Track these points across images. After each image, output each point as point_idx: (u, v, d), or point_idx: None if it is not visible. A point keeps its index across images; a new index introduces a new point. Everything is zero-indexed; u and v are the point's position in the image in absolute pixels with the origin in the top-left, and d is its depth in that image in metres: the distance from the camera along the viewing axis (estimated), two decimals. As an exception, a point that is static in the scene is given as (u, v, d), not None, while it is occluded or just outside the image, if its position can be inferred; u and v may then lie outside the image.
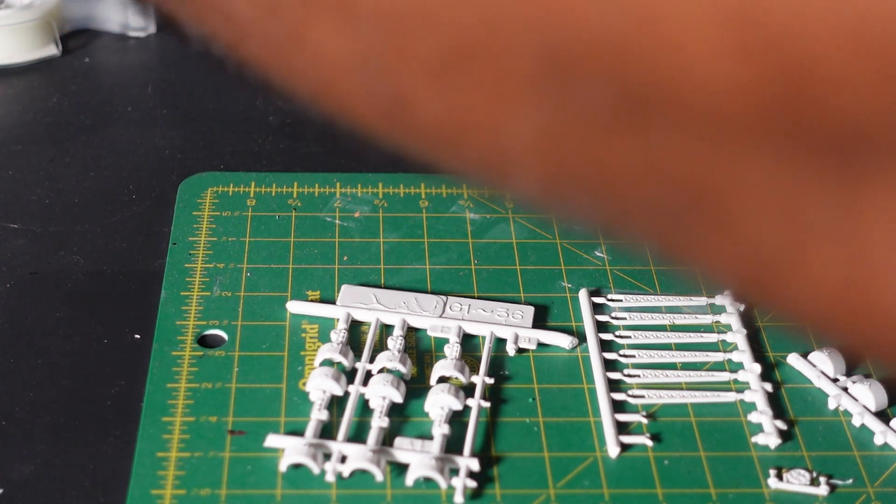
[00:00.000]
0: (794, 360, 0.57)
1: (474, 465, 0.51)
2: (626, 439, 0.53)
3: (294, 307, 0.58)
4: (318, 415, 0.52)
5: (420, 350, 0.57)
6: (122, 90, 0.77)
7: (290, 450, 0.51)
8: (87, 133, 0.72)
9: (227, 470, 0.51)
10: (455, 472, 0.51)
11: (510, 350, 0.57)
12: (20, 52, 0.78)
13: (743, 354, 0.57)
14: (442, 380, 0.55)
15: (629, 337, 0.58)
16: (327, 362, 0.55)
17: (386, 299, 0.58)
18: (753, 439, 0.53)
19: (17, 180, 0.68)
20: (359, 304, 0.58)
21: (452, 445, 0.52)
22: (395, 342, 0.56)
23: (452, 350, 0.56)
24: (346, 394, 0.54)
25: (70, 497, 0.50)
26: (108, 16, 0.81)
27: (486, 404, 0.54)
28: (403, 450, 0.51)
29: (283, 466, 0.50)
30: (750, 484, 0.51)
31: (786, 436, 0.53)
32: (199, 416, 0.53)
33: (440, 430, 0.52)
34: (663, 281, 0.61)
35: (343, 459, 0.51)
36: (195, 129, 0.73)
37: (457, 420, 0.53)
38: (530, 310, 0.58)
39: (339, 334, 0.56)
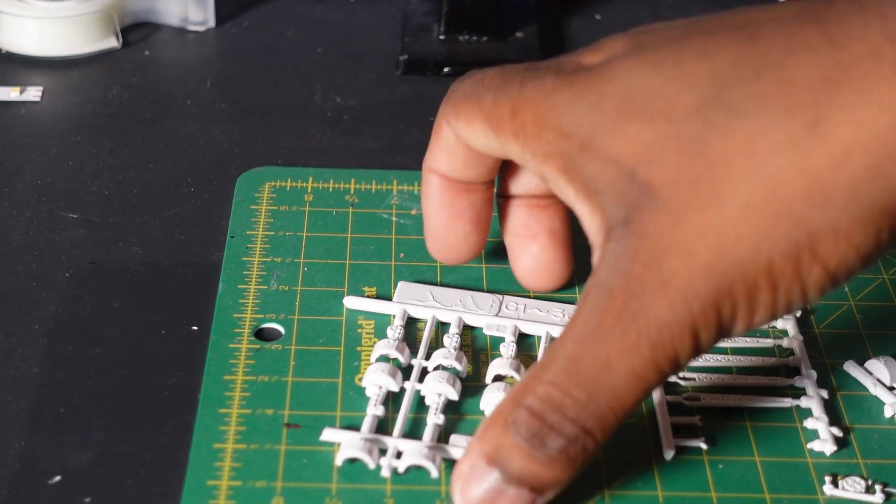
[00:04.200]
0: (850, 367, 0.57)
1: None
2: (681, 442, 0.53)
3: (351, 303, 0.58)
4: (374, 410, 0.52)
5: (476, 348, 0.57)
6: (181, 84, 0.78)
7: (346, 444, 0.51)
8: (146, 125, 0.73)
9: (282, 463, 0.51)
10: None
11: None
12: (81, 44, 0.78)
13: (799, 360, 0.57)
14: (497, 378, 0.55)
15: (685, 340, 0.58)
16: (383, 358, 0.55)
17: (442, 297, 0.59)
18: (809, 445, 0.53)
19: (77, 171, 0.68)
20: (415, 301, 0.58)
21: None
22: (451, 340, 0.56)
23: (508, 349, 0.56)
24: (402, 390, 0.54)
25: (126, 486, 0.50)
26: (168, 9, 0.82)
27: None
28: (459, 447, 0.51)
29: (338, 460, 0.51)
30: (805, 490, 0.51)
31: (841, 443, 0.53)
32: (256, 408, 0.53)
33: None
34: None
35: (398, 455, 0.51)
36: (253, 123, 0.73)
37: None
38: None
39: (395, 331, 0.56)
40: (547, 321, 0.58)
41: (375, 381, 0.54)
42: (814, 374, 0.56)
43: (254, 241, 0.62)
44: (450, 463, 0.51)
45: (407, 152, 0.71)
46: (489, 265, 0.61)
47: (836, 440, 0.53)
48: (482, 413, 0.53)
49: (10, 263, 0.61)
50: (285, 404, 0.53)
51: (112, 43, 0.79)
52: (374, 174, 0.68)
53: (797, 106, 0.40)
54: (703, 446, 0.53)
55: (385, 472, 0.50)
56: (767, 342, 0.58)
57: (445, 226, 0.55)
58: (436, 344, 0.57)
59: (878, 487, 0.51)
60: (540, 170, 0.47)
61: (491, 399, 0.53)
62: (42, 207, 0.65)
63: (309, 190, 0.66)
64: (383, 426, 0.52)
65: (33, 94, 0.75)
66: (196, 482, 0.50)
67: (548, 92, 0.46)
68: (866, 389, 0.56)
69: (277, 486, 0.50)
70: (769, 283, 0.42)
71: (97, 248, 0.63)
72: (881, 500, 0.51)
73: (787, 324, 0.58)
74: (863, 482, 0.51)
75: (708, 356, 0.57)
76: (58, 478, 0.51)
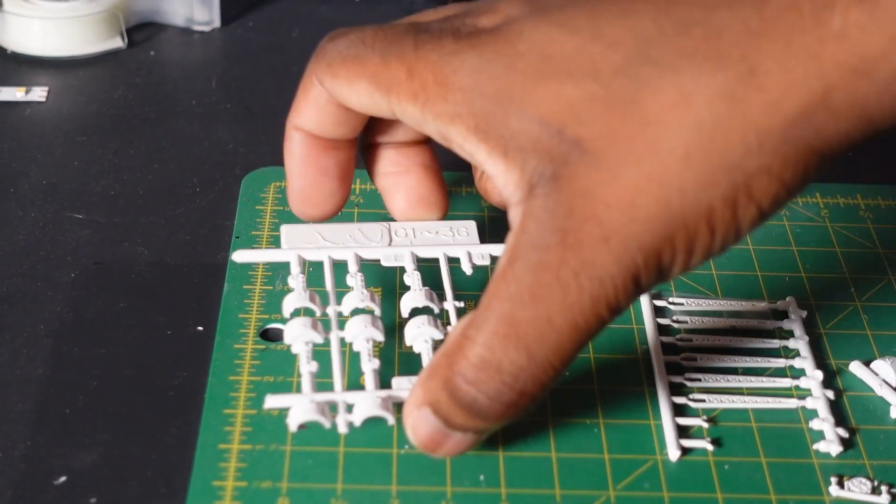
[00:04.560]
0: (856, 367, 0.57)
1: None
2: (687, 443, 0.53)
3: (240, 256, 0.55)
4: (309, 367, 0.50)
5: (380, 283, 0.58)
6: (186, 84, 0.78)
7: (297, 408, 0.48)
8: (152, 126, 0.73)
9: (288, 463, 0.51)
10: None
11: (466, 269, 0.55)
12: (86, 44, 0.78)
13: (805, 361, 0.57)
14: (415, 312, 0.53)
15: (690, 340, 0.58)
16: (296, 313, 0.53)
17: (330, 234, 0.56)
18: (815, 446, 0.53)
19: (82, 171, 0.68)
20: (305, 244, 0.55)
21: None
22: (355, 279, 0.54)
23: (413, 279, 0.54)
24: (326, 341, 0.51)
25: (131, 486, 0.50)
26: (174, 10, 0.82)
27: None
28: (406, 389, 0.49)
29: (292, 426, 0.48)
30: (811, 491, 0.51)
31: (847, 444, 0.53)
32: (261, 409, 0.53)
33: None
34: (725, 285, 0.61)
35: (349, 409, 0.49)
36: (258, 123, 0.73)
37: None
38: (472, 224, 0.56)
39: (297, 279, 0.53)
40: (440, 242, 0.56)
41: (301, 336, 0.51)
42: (819, 374, 0.56)
43: (259, 242, 0.62)
44: (400, 406, 0.49)
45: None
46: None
47: (842, 441, 0.53)
48: (411, 349, 0.52)
49: (15, 264, 0.61)
50: (291, 405, 0.53)
51: (117, 43, 0.79)
52: (379, 174, 0.67)
53: (728, 58, 0.42)
54: (709, 447, 0.52)
55: (342, 429, 0.48)
56: (773, 343, 0.58)
57: (311, 184, 0.55)
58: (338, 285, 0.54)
59: (884, 488, 0.51)
60: (443, 130, 0.47)
61: (417, 334, 0.52)
62: (47, 208, 0.65)
63: (314, 190, 0.66)
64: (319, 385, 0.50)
65: (39, 94, 0.75)
66: (201, 483, 0.50)
67: (450, 54, 0.46)
68: (872, 390, 0.56)
69: (283, 486, 0.50)
70: (708, 228, 0.43)
71: (102, 249, 0.63)
72: (887, 501, 0.50)
73: (792, 324, 0.58)
74: (869, 483, 0.51)
75: (713, 356, 0.57)
76: (63, 478, 0.51)
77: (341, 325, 0.52)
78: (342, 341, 0.51)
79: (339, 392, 0.49)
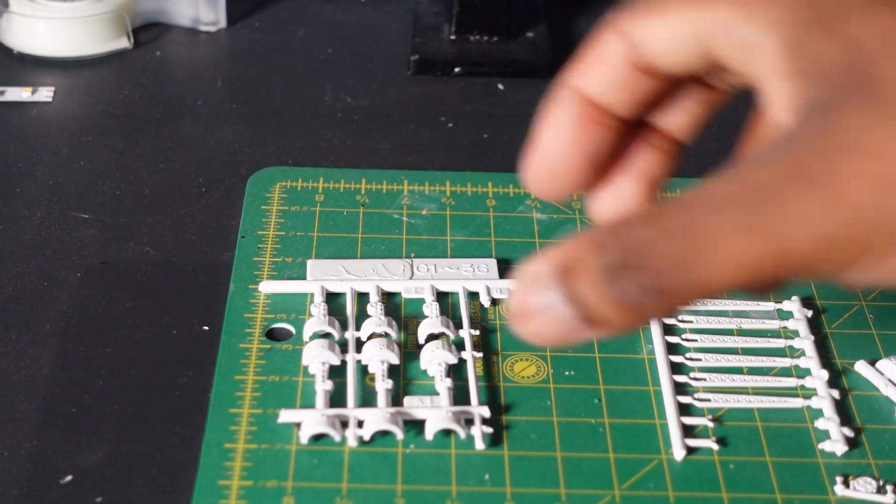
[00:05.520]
0: (861, 367, 0.57)
1: (485, 412, 0.53)
2: (692, 442, 0.53)
3: (266, 287, 0.59)
4: (324, 385, 0.54)
5: (399, 315, 0.59)
6: (192, 84, 0.78)
7: (308, 421, 0.52)
8: (157, 126, 0.73)
9: (293, 462, 0.51)
10: (469, 421, 0.53)
11: (485, 302, 0.59)
12: (92, 45, 0.79)
13: (810, 360, 0.57)
14: (431, 337, 0.57)
15: (695, 340, 0.58)
16: (316, 336, 0.57)
17: (354, 268, 0.60)
18: (820, 446, 0.53)
19: (88, 171, 0.69)
20: (329, 276, 0.59)
21: (459, 398, 0.54)
22: (375, 308, 0.58)
23: (431, 309, 0.58)
24: (343, 363, 0.55)
25: (137, 485, 0.50)
26: (180, 10, 0.82)
27: (478, 355, 0.56)
28: (416, 407, 0.53)
29: (303, 438, 0.52)
30: (816, 491, 0.51)
31: (852, 443, 0.53)
32: (266, 408, 0.53)
33: (444, 384, 0.54)
34: (730, 285, 0.61)
35: (360, 424, 0.52)
36: (264, 123, 0.74)
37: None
38: (493, 262, 0.61)
39: (319, 307, 0.57)
40: (460, 277, 0.60)
41: (317, 357, 0.55)
42: (825, 374, 0.56)
43: (265, 241, 0.62)
44: (411, 425, 0.53)
45: (417, 152, 0.71)
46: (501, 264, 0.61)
47: (848, 440, 0.53)
48: (425, 373, 0.55)
49: (21, 263, 0.61)
50: (296, 404, 0.53)
51: (123, 43, 0.80)
52: (384, 174, 0.68)
53: None
54: (715, 447, 0.52)
55: (352, 443, 0.51)
56: (778, 342, 0.58)
57: (562, 154, 0.48)
58: (359, 315, 0.58)
59: (889, 488, 0.51)
60: (750, 35, 0.42)
61: (431, 357, 0.55)
62: (53, 208, 0.65)
63: (320, 190, 0.66)
64: (334, 401, 0.54)
65: (45, 94, 0.75)
66: (207, 482, 0.50)
67: None
68: (878, 389, 0.56)
69: (288, 485, 0.50)
70: None
71: (108, 249, 0.63)
72: (892, 501, 0.50)
73: (797, 324, 0.58)
74: (874, 482, 0.51)
75: (718, 356, 0.57)
76: (69, 477, 0.51)
77: (358, 350, 0.56)
78: (358, 364, 0.55)
79: (352, 408, 0.53)
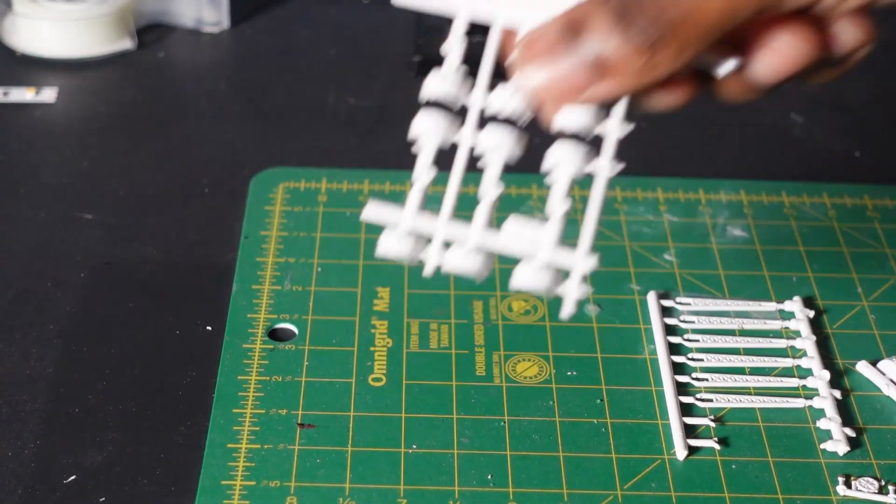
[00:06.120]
0: (863, 367, 0.57)
1: (592, 262, 0.41)
2: (694, 443, 0.53)
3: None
4: (428, 174, 0.42)
5: None
6: (195, 85, 0.78)
7: (386, 239, 0.42)
8: (161, 126, 0.73)
9: (296, 462, 0.51)
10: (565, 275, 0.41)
11: None
12: (96, 46, 0.79)
13: (812, 361, 0.57)
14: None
15: (697, 340, 0.58)
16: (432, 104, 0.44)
17: None
18: (822, 446, 0.53)
19: (92, 172, 0.69)
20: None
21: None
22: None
23: None
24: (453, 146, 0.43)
25: (141, 485, 0.51)
26: (183, 11, 0.82)
27: (620, 166, 0.42)
28: (516, 234, 0.41)
29: (378, 252, 0.42)
30: (818, 491, 0.51)
31: (854, 443, 0.53)
32: (269, 408, 0.53)
33: (561, 205, 0.41)
34: (732, 285, 0.61)
35: (446, 245, 0.42)
36: (267, 124, 0.74)
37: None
38: None
39: (457, 45, 0.45)
40: None
41: (430, 127, 0.42)
42: (826, 374, 0.56)
43: (268, 242, 0.62)
44: (503, 264, 0.44)
45: (420, 153, 0.71)
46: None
47: (849, 440, 0.53)
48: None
49: (25, 264, 0.62)
50: (299, 404, 0.53)
51: (127, 44, 0.80)
52: (387, 175, 0.68)
53: None
54: (716, 447, 0.53)
55: (428, 271, 0.42)
56: (780, 342, 0.58)
57: None
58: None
59: (891, 488, 0.51)
60: None
61: (559, 159, 0.42)
62: (57, 208, 0.66)
63: (323, 191, 0.66)
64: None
65: (49, 95, 0.75)
66: (210, 482, 0.50)
67: None
68: (879, 390, 0.56)
69: (291, 485, 0.50)
70: None
71: (112, 249, 0.63)
72: (894, 501, 0.51)
73: (799, 324, 0.59)
74: (876, 482, 0.51)
75: (720, 356, 0.57)
76: (73, 477, 0.51)
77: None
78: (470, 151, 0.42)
79: (441, 220, 0.42)
